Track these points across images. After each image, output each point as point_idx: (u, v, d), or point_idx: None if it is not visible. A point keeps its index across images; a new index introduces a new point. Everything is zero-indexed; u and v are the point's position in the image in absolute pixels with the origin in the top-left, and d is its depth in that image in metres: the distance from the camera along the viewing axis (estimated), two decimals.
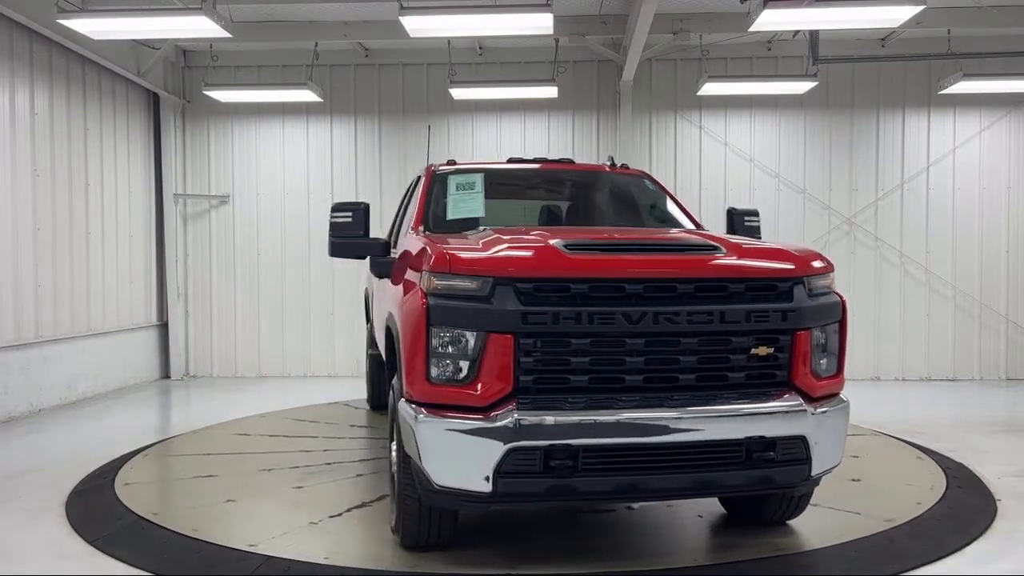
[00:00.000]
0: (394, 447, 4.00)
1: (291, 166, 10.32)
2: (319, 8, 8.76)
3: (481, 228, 4.35)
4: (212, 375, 10.41)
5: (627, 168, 5.73)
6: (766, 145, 10.02)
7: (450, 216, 4.76)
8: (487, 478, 3.26)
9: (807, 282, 3.59)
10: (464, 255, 3.47)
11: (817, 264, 3.70)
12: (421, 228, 4.66)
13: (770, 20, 6.96)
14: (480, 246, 3.63)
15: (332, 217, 4.57)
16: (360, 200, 4.75)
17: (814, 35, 8.93)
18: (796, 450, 3.47)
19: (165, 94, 9.96)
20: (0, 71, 7.45)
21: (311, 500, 4.80)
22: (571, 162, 5.86)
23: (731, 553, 3.94)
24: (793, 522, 4.36)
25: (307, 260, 10.25)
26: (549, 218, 5.42)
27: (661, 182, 5.66)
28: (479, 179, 4.99)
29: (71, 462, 5.76)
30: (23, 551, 4.12)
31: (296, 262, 10.29)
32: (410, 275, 3.80)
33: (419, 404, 3.43)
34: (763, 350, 3.48)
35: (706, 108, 9.99)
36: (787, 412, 3.45)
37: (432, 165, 5.35)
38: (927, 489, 4.93)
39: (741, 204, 9.08)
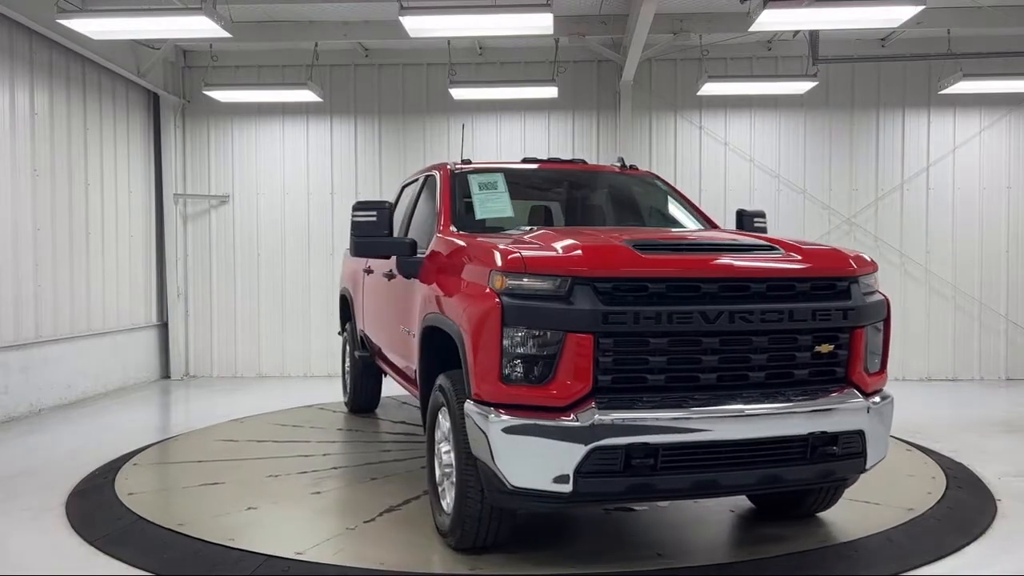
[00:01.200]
0: (443, 449, 3.96)
1: (291, 166, 10.32)
2: (319, 8, 8.76)
3: (527, 227, 4.35)
4: (212, 375, 10.40)
5: (636, 169, 5.77)
6: (766, 145, 10.02)
7: (479, 216, 4.73)
8: (567, 478, 3.26)
9: (860, 281, 3.71)
10: (539, 255, 3.49)
11: (867, 264, 3.82)
12: (453, 228, 4.60)
13: (770, 20, 6.96)
14: (547, 246, 3.63)
15: (355, 216, 4.54)
16: (382, 199, 4.75)
17: (814, 35, 8.93)
18: (855, 444, 3.60)
19: (165, 94, 9.96)
20: (0, 71, 7.45)
21: (335, 506, 4.72)
22: (584, 162, 5.87)
23: (735, 552, 3.94)
24: (790, 522, 4.37)
25: (307, 260, 10.25)
26: (569, 218, 5.39)
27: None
28: (500, 178, 5.02)
29: (71, 462, 5.76)
30: (23, 551, 4.12)
31: (296, 262, 10.29)
32: (470, 275, 3.75)
33: (491, 405, 3.39)
34: (825, 347, 3.59)
35: (706, 108, 9.99)
36: (848, 407, 3.56)
37: (447, 164, 5.30)
38: (927, 489, 4.93)
39: (740, 204, 9.12)
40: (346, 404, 7.65)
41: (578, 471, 3.25)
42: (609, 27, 9.07)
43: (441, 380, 3.94)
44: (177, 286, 10.30)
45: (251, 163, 10.35)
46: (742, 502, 4.63)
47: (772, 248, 3.76)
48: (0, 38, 7.42)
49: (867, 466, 3.67)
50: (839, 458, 3.58)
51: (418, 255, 4.62)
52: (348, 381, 7.55)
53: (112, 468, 5.56)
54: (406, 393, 7.77)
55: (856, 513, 4.52)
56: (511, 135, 10.16)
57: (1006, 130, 9.85)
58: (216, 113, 10.26)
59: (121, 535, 4.25)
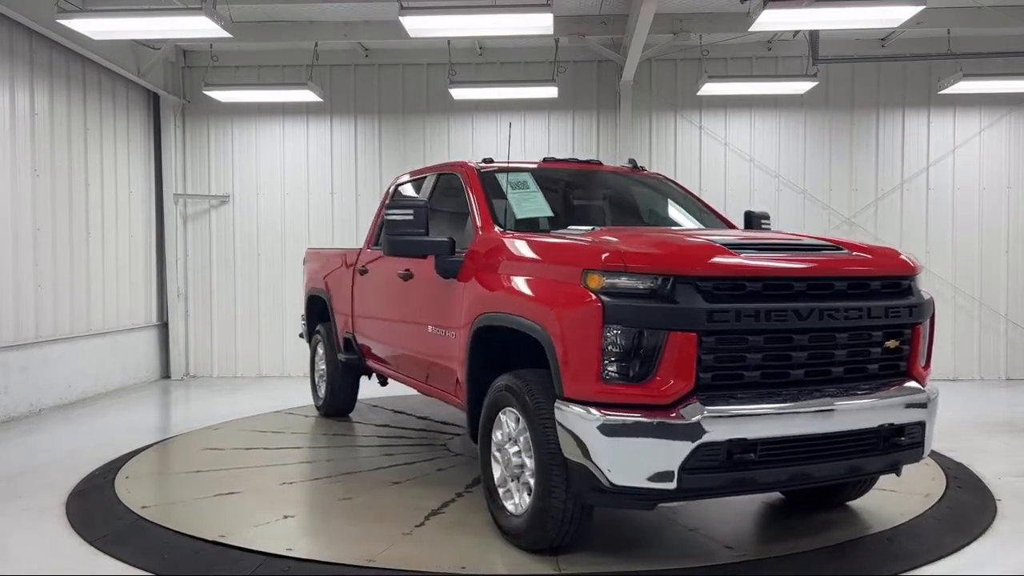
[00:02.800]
0: (512, 450, 3.91)
1: (291, 166, 10.33)
2: (319, 8, 8.76)
3: (592, 227, 4.35)
4: (212, 375, 10.41)
5: (644, 170, 5.84)
6: (766, 145, 10.02)
7: (519, 215, 4.70)
8: (671, 475, 3.28)
9: (916, 280, 3.94)
10: (639, 253, 3.51)
11: (918, 265, 4.03)
12: (496, 227, 4.55)
13: (770, 20, 6.96)
14: (640, 244, 3.66)
15: (389, 215, 4.50)
16: (416, 198, 4.67)
17: (814, 35, 8.93)
18: (917, 434, 3.77)
19: (165, 94, 9.96)
20: (0, 71, 7.45)
21: (373, 511, 4.58)
22: (599, 163, 5.88)
23: (734, 552, 3.95)
24: (789, 520, 4.38)
25: None
26: (594, 218, 5.37)
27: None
28: (529, 177, 5.04)
29: (71, 462, 5.77)
30: (23, 551, 4.12)
31: (296, 262, 10.25)
32: (554, 274, 3.72)
33: (588, 404, 3.38)
34: (892, 343, 3.77)
35: (706, 108, 9.99)
36: (914, 400, 3.74)
37: (468, 163, 5.25)
38: (926, 489, 4.93)
39: (740, 204, 9.12)
40: (318, 408, 7.43)
41: (682, 468, 3.28)
42: (609, 27, 9.07)
43: (507, 380, 3.91)
44: (177, 286, 10.31)
45: (251, 163, 10.35)
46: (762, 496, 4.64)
47: (838, 248, 3.89)
48: (0, 38, 7.43)
49: (924, 456, 3.86)
50: (904, 448, 3.75)
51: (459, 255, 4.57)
52: (324, 385, 7.29)
53: (112, 468, 5.55)
54: (375, 396, 7.67)
55: (856, 513, 4.52)
56: (511, 135, 10.15)
57: (1006, 130, 9.85)
58: (216, 113, 10.26)
59: (121, 535, 4.25)
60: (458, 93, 9.34)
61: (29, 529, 4.42)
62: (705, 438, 3.27)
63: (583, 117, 10.12)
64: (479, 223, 4.65)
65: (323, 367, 7.29)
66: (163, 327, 10.33)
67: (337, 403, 7.22)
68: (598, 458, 3.33)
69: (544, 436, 3.61)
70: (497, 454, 4.07)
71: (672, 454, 3.27)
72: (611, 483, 3.34)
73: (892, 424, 3.65)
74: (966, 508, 4.65)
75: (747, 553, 3.94)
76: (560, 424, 3.49)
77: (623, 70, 9.30)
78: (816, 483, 3.90)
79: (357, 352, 6.53)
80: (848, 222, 9.89)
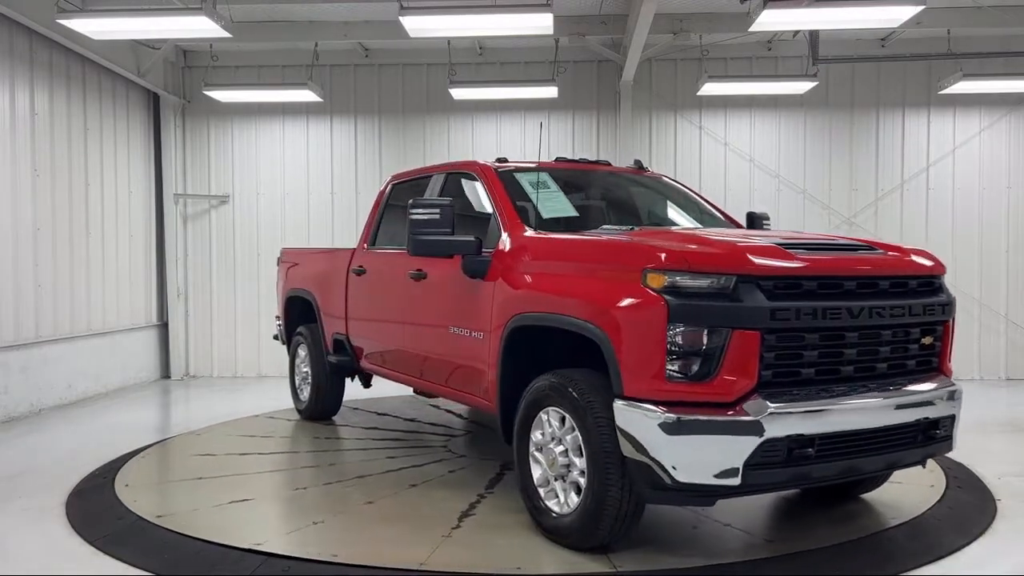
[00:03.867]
0: (559, 450, 3.91)
1: (291, 166, 10.33)
2: (319, 8, 8.77)
3: (629, 227, 4.37)
4: (212, 375, 10.41)
5: (650, 171, 5.89)
6: (766, 145, 10.02)
7: (546, 215, 4.69)
8: (736, 471, 3.33)
9: (943, 279, 4.12)
10: (702, 252, 3.55)
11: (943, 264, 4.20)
12: (526, 227, 4.53)
13: (770, 20, 6.96)
14: (702, 243, 3.71)
15: (413, 213, 4.47)
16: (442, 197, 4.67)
17: (814, 35, 8.93)
18: (947, 428, 3.93)
19: (165, 94, 9.96)
20: (0, 71, 7.45)
21: (402, 514, 4.51)
22: (608, 164, 5.87)
23: (731, 552, 3.95)
24: (788, 521, 4.38)
25: None
26: (616, 218, 5.36)
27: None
28: (548, 177, 5.05)
29: (71, 462, 5.76)
30: (23, 551, 4.12)
31: None
32: (608, 273, 3.72)
33: (649, 403, 3.41)
34: (927, 340, 3.92)
35: (706, 108, 9.99)
36: (948, 394, 3.90)
37: (484, 163, 5.21)
38: (927, 489, 4.93)
39: (740, 204, 9.13)
40: (300, 412, 7.27)
41: (747, 464, 3.34)
42: (609, 27, 9.07)
43: (551, 380, 3.91)
44: (177, 286, 10.31)
45: (251, 163, 10.35)
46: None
47: (872, 248, 3.98)
48: (0, 38, 7.43)
49: (953, 448, 4.00)
50: (938, 441, 3.90)
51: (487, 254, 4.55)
52: (307, 388, 7.12)
53: (112, 468, 5.55)
54: (354, 399, 7.53)
55: (856, 513, 4.52)
56: (511, 135, 10.16)
57: (1006, 130, 9.85)
58: (216, 113, 10.26)
59: (121, 535, 4.25)
60: (458, 93, 9.34)
61: (29, 529, 4.41)
62: (769, 434, 3.34)
63: (583, 117, 10.12)
64: (506, 223, 4.60)
65: (306, 370, 7.13)
66: (163, 327, 10.33)
67: (322, 406, 7.03)
68: (662, 456, 3.36)
69: (599, 435, 3.61)
70: (537, 454, 4.07)
71: (738, 451, 3.33)
72: (675, 480, 3.37)
73: (927, 418, 3.78)
74: (966, 508, 4.65)
75: (784, 547, 3.97)
76: (620, 423, 3.51)
77: (623, 70, 9.30)
78: (862, 476, 4.03)
79: (350, 354, 6.43)
80: (848, 222, 9.88)
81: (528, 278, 4.19)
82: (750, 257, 3.50)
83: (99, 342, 8.94)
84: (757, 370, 3.38)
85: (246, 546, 3.95)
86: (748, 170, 10.00)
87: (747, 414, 3.33)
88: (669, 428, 3.33)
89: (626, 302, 3.52)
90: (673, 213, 5.52)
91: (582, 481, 3.76)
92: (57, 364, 8.17)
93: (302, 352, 7.22)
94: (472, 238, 4.53)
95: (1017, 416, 7.68)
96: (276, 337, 7.96)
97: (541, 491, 4.05)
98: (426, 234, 4.47)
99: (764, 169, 9.99)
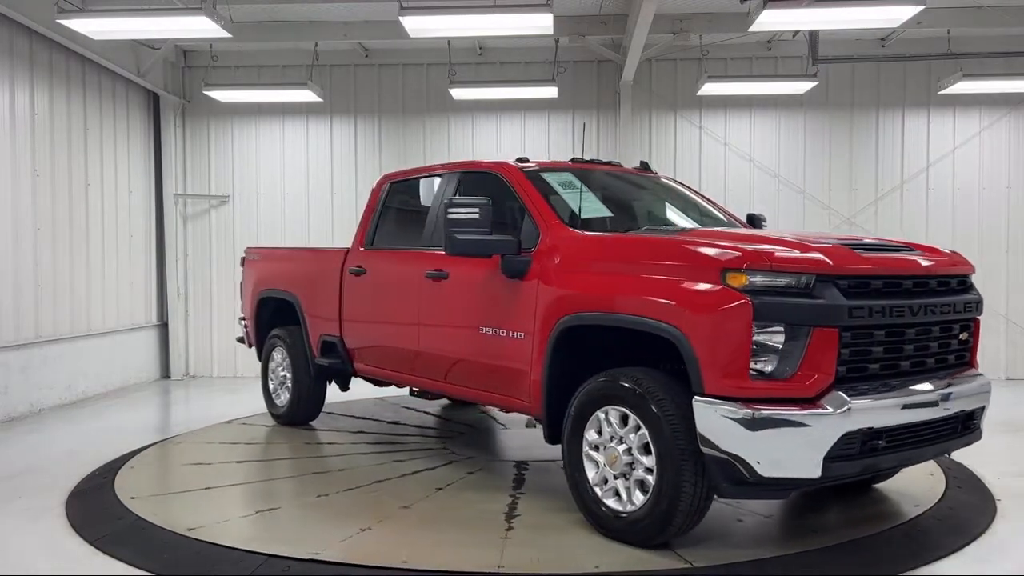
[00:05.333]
0: (621, 449, 3.94)
1: (291, 166, 10.33)
2: (319, 8, 8.77)
3: (675, 228, 4.48)
4: (212, 375, 10.41)
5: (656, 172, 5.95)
6: (766, 145, 10.02)
7: (584, 215, 4.71)
8: (817, 464, 3.45)
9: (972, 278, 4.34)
10: (784, 253, 3.65)
11: None
12: (568, 227, 4.54)
13: (770, 20, 6.96)
14: (779, 244, 3.79)
15: (452, 213, 4.45)
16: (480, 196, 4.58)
17: (814, 35, 8.93)
18: (979, 418, 4.17)
19: (165, 94, 9.96)
20: (0, 71, 7.45)
21: (445, 517, 4.45)
22: (620, 165, 5.88)
23: (732, 552, 3.95)
24: (789, 522, 4.38)
25: None
26: (641, 217, 5.40)
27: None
28: (572, 177, 5.10)
29: (71, 462, 5.76)
30: (23, 551, 4.12)
31: None
32: (682, 273, 3.74)
33: (734, 400, 3.48)
34: (964, 335, 4.16)
35: (706, 108, 9.99)
36: (983, 387, 4.13)
37: (506, 163, 5.20)
38: (927, 489, 4.93)
39: (740, 204, 9.14)
40: (277, 417, 6.97)
41: (827, 457, 3.45)
42: (609, 27, 9.07)
43: (616, 378, 3.93)
44: (177, 286, 10.31)
45: (251, 163, 10.35)
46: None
47: (911, 249, 4.13)
48: (0, 38, 7.43)
49: (981, 438, 4.21)
50: (972, 431, 4.13)
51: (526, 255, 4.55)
52: (285, 392, 6.85)
53: (112, 468, 5.55)
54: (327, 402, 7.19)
55: (855, 513, 4.52)
56: (511, 135, 10.16)
57: (1006, 130, 9.85)
58: (216, 113, 10.26)
59: (121, 535, 4.25)
60: (458, 93, 9.34)
61: (29, 529, 4.41)
62: (848, 428, 3.47)
63: (583, 117, 10.11)
64: (545, 223, 4.59)
65: (284, 374, 6.84)
66: (163, 327, 10.33)
67: (302, 411, 6.81)
68: (746, 451, 3.45)
69: (671, 432, 3.67)
70: (593, 453, 4.09)
71: (819, 445, 3.45)
72: (759, 475, 3.47)
73: (962, 410, 3.97)
74: (966, 508, 4.65)
75: (784, 547, 4.00)
76: (700, 420, 3.56)
77: (623, 70, 9.30)
78: (912, 464, 4.20)
79: (343, 356, 6.25)
80: (848, 222, 9.88)
81: (581, 277, 4.20)
82: (827, 257, 3.63)
83: (99, 342, 8.94)
84: (835, 366, 3.51)
85: (306, 556, 3.83)
86: (748, 170, 10.00)
87: (828, 409, 3.45)
88: (754, 424, 3.43)
89: (708, 302, 3.58)
90: (693, 214, 5.55)
91: (648, 479, 3.81)
92: (57, 364, 8.17)
93: (278, 356, 6.94)
94: (512, 238, 4.53)
95: (1017, 416, 7.67)
96: (241, 340, 7.61)
97: (598, 490, 4.07)
98: (465, 234, 4.45)
99: (764, 169, 9.99)
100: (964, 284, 4.19)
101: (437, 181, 5.66)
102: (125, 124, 9.58)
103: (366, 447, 6.15)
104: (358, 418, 7.21)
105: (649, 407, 3.75)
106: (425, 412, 7.50)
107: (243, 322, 7.53)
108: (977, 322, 4.24)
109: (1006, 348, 9.87)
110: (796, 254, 3.64)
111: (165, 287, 10.29)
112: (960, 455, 5.77)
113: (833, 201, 9.94)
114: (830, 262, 3.60)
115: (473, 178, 5.34)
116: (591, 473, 4.10)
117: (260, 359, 7.29)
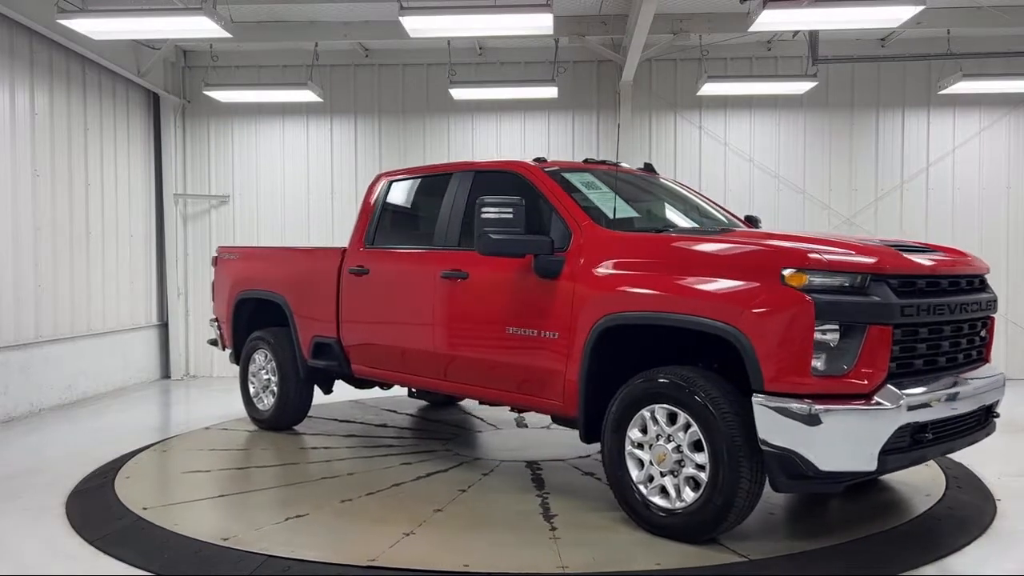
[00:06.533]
0: (670, 446, 3.99)
1: (291, 166, 10.33)
2: (319, 8, 8.77)
3: (717, 229, 4.59)
4: (212, 375, 10.41)
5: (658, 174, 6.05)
6: (766, 145, 10.02)
7: (615, 215, 4.72)
8: (874, 457, 3.62)
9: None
10: (842, 253, 3.79)
11: None
12: (602, 227, 4.55)
13: (770, 20, 6.96)
14: (825, 245, 3.90)
15: (484, 212, 4.46)
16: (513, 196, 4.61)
17: (814, 35, 8.93)
18: (994, 412, 4.38)
19: (165, 94, 9.97)
20: (0, 71, 7.45)
21: (481, 519, 4.42)
22: (614, 164, 5.87)
23: (731, 550, 3.95)
24: (789, 523, 4.39)
25: None
26: (659, 218, 5.43)
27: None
28: (593, 177, 5.13)
29: (71, 462, 5.76)
30: (23, 551, 4.12)
31: None
32: (733, 273, 3.82)
33: (794, 396, 3.59)
34: (983, 332, 4.41)
35: (706, 108, 9.99)
36: (1001, 380, 4.39)
37: (526, 162, 5.18)
38: (927, 489, 4.93)
39: (740, 204, 9.15)
40: (259, 422, 6.77)
41: (882, 450, 3.62)
42: (609, 27, 9.07)
43: (669, 376, 3.97)
44: (177, 286, 10.31)
45: (251, 163, 10.35)
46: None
47: (933, 250, 4.28)
48: (0, 38, 7.42)
49: (995, 430, 4.41)
50: (990, 423, 4.35)
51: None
52: (269, 396, 6.68)
53: (112, 468, 5.55)
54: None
55: (855, 513, 4.53)
56: (511, 135, 10.16)
57: (1006, 130, 9.85)
58: (216, 113, 10.26)
59: (121, 535, 4.25)
60: (458, 93, 9.34)
61: (29, 529, 4.42)
62: (902, 421, 3.63)
63: (583, 117, 10.12)
64: (577, 223, 4.59)
65: (268, 377, 6.66)
66: (163, 327, 10.33)
67: (290, 415, 6.62)
68: (807, 446, 3.56)
69: (727, 429, 3.74)
70: (637, 451, 4.14)
71: (876, 438, 3.60)
72: (818, 469, 3.59)
73: (986, 402, 4.21)
74: (966, 508, 4.65)
75: (784, 547, 4.03)
76: (760, 417, 3.65)
77: (623, 70, 9.30)
78: (944, 454, 4.41)
79: (339, 358, 6.10)
80: (848, 222, 9.88)
81: (623, 278, 4.23)
82: (880, 257, 3.80)
83: (99, 342, 8.94)
84: (888, 362, 3.66)
85: (364, 563, 3.78)
86: (748, 170, 10.00)
87: (884, 403, 3.59)
88: (814, 420, 3.54)
89: (768, 301, 3.67)
90: (708, 216, 5.58)
91: (699, 475, 3.88)
92: (57, 364, 8.17)
93: (260, 358, 6.75)
94: (547, 238, 4.54)
95: (1017, 416, 7.67)
96: (214, 342, 7.40)
97: (643, 488, 4.11)
98: (498, 232, 4.45)
99: (764, 169, 9.99)
100: (983, 283, 4.41)
101: (446, 180, 5.53)
102: (125, 124, 9.58)
103: (366, 450, 6.06)
104: (342, 421, 7.07)
105: (703, 405, 3.82)
106: (407, 414, 7.42)
107: (215, 324, 7.32)
108: (992, 319, 4.46)
109: (1006, 348, 9.87)
110: (851, 254, 3.79)
111: (165, 287, 10.29)
112: (960, 455, 5.78)
113: (833, 201, 9.94)
114: (884, 262, 3.76)
115: (490, 177, 5.26)
116: (635, 471, 4.14)
117: (235, 362, 7.11)
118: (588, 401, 4.36)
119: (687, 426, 3.91)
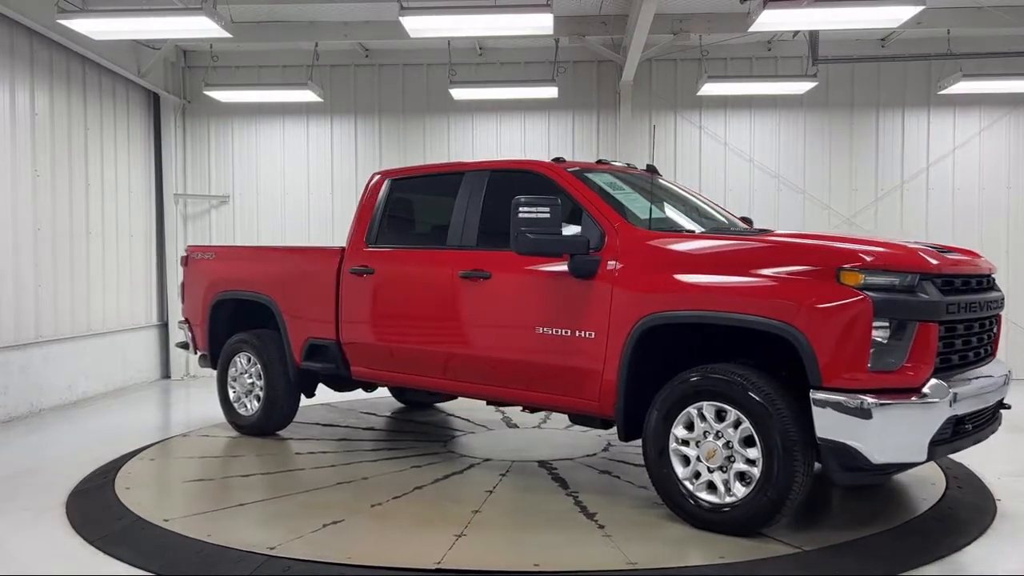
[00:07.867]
0: (720, 442, 4.04)
1: (291, 166, 10.33)
2: (319, 8, 8.77)
3: (755, 229, 4.78)
4: (212, 375, 10.37)
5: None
6: (766, 145, 10.02)
7: (644, 216, 4.74)
8: (923, 448, 3.79)
9: None
10: (892, 253, 3.96)
11: None
12: (639, 228, 4.57)
13: (770, 20, 6.96)
14: (870, 245, 4.06)
15: (522, 212, 4.45)
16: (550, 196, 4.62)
17: (814, 35, 8.93)
18: (1001, 407, 4.52)
19: (165, 94, 9.97)
20: (0, 71, 7.45)
21: (525, 520, 4.39)
22: (634, 167, 5.87)
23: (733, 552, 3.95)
24: (790, 525, 4.38)
25: None
26: (680, 218, 5.41)
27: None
28: (614, 178, 5.18)
29: (71, 462, 5.76)
30: (23, 551, 4.12)
31: None
32: (787, 272, 3.93)
33: (852, 392, 3.72)
34: (996, 328, 4.59)
35: (706, 108, 9.99)
36: (1008, 374, 4.52)
37: (547, 163, 5.16)
38: (926, 489, 4.93)
39: (740, 204, 9.16)
40: (240, 427, 6.53)
41: (932, 441, 3.79)
42: (609, 27, 9.07)
43: (719, 373, 4.03)
44: (177, 286, 10.29)
45: (251, 163, 10.35)
46: None
47: (950, 251, 4.40)
48: (0, 38, 7.43)
49: (1001, 422, 4.56)
50: (999, 418, 4.50)
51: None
52: (252, 401, 6.45)
53: (112, 468, 5.54)
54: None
55: (855, 513, 4.53)
56: (511, 135, 10.16)
57: (1006, 130, 9.85)
58: (216, 113, 10.26)
59: (121, 535, 4.25)
60: (458, 93, 9.34)
61: (29, 529, 4.42)
62: (949, 413, 3.82)
63: (583, 117, 10.12)
64: (610, 223, 4.59)
65: (252, 381, 6.42)
66: (163, 327, 10.32)
67: (276, 419, 6.39)
68: (863, 440, 3.70)
69: (781, 425, 3.84)
70: (683, 448, 4.18)
71: (927, 430, 3.78)
72: (874, 462, 3.74)
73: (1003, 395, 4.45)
74: (966, 508, 4.65)
75: (784, 547, 4.02)
76: (818, 412, 3.77)
77: (623, 70, 9.30)
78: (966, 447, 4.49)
79: (337, 360, 5.94)
80: (848, 222, 9.88)
81: (666, 278, 4.27)
82: (927, 258, 3.98)
83: (99, 342, 8.94)
84: (935, 357, 3.82)
85: (431, 566, 3.72)
86: (748, 170, 10.00)
87: (934, 397, 3.76)
88: (871, 414, 3.67)
89: (827, 299, 3.78)
90: (709, 215, 5.60)
91: (750, 471, 3.96)
92: (57, 364, 8.17)
93: (242, 361, 6.51)
94: (584, 238, 4.54)
95: (1017, 416, 7.64)
96: (184, 346, 7.15)
97: (689, 484, 4.16)
98: (535, 232, 4.45)
99: (764, 169, 9.99)
100: (993, 282, 4.58)
101: (458, 179, 5.42)
102: (125, 124, 9.58)
103: (366, 454, 5.94)
104: (325, 426, 6.87)
105: (756, 401, 3.90)
106: (387, 417, 7.32)
107: (186, 326, 7.05)
108: (1000, 316, 4.63)
109: (1006, 348, 9.82)
110: (902, 255, 3.97)
111: (165, 287, 10.29)
112: (960, 455, 5.78)
113: (833, 201, 9.94)
114: (930, 263, 3.94)
115: (507, 177, 5.19)
116: (680, 468, 4.19)
117: (210, 366, 6.85)
118: (628, 400, 4.38)
119: (737, 422, 3.99)
